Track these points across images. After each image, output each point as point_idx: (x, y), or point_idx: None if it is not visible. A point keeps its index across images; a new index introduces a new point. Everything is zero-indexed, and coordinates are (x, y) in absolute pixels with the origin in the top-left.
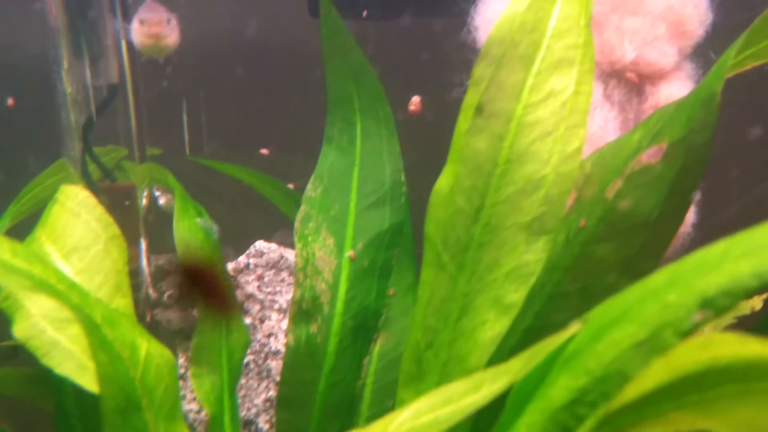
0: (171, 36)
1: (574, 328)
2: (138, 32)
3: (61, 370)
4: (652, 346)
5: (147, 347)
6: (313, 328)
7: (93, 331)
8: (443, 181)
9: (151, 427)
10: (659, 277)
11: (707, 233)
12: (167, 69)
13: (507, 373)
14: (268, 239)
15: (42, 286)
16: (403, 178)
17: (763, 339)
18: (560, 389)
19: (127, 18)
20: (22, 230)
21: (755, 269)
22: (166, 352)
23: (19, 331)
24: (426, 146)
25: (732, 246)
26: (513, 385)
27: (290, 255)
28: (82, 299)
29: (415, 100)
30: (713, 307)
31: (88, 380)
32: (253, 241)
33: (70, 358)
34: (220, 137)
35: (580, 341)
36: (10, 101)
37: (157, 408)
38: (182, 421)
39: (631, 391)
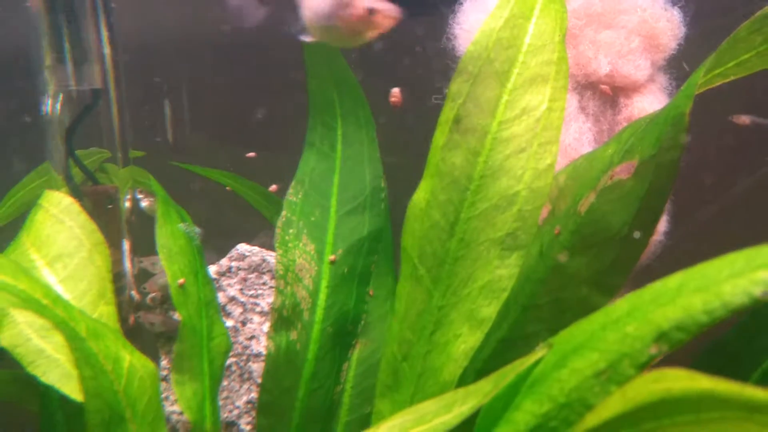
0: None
1: (540, 352)
2: (355, 20)
3: (46, 379)
4: (611, 376)
5: (130, 359)
6: (293, 335)
7: (78, 345)
8: (420, 195)
9: None
10: (621, 306)
11: (677, 241)
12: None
13: (477, 394)
14: (249, 241)
15: (28, 302)
16: (383, 183)
17: (709, 374)
18: (525, 414)
19: None
20: (5, 233)
21: (707, 305)
22: (149, 363)
23: (6, 339)
24: (406, 150)
25: (687, 279)
26: (482, 406)
27: (272, 258)
28: (67, 312)
29: (395, 92)
30: (668, 340)
31: (72, 389)
32: (235, 242)
33: (56, 366)
34: (204, 135)
35: (546, 366)
36: None
37: (141, 419)
38: (165, 430)
39: (591, 420)
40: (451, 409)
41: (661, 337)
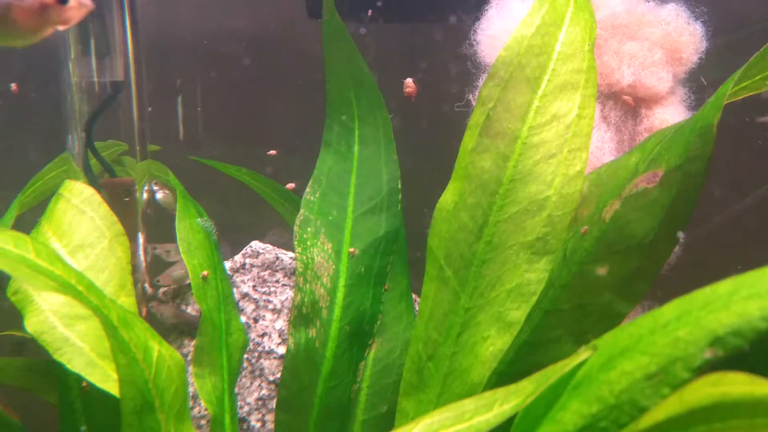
0: None
1: (584, 354)
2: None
3: (72, 367)
4: (663, 378)
5: (159, 349)
6: (312, 333)
7: (112, 332)
8: (447, 197)
9: (163, 427)
10: (668, 311)
11: (687, 247)
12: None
13: (519, 394)
14: (260, 238)
15: (65, 287)
16: (399, 185)
17: None
18: (573, 414)
19: None
20: (20, 221)
21: (764, 312)
22: (176, 354)
23: (31, 325)
24: (421, 154)
25: (739, 285)
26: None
27: (285, 256)
28: (100, 299)
29: (409, 82)
30: (723, 345)
31: (98, 378)
32: (245, 239)
33: (81, 354)
34: (217, 133)
35: (591, 368)
36: (13, 87)
37: (168, 408)
38: (190, 421)
39: (645, 421)
40: (491, 407)
41: (715, 342)
